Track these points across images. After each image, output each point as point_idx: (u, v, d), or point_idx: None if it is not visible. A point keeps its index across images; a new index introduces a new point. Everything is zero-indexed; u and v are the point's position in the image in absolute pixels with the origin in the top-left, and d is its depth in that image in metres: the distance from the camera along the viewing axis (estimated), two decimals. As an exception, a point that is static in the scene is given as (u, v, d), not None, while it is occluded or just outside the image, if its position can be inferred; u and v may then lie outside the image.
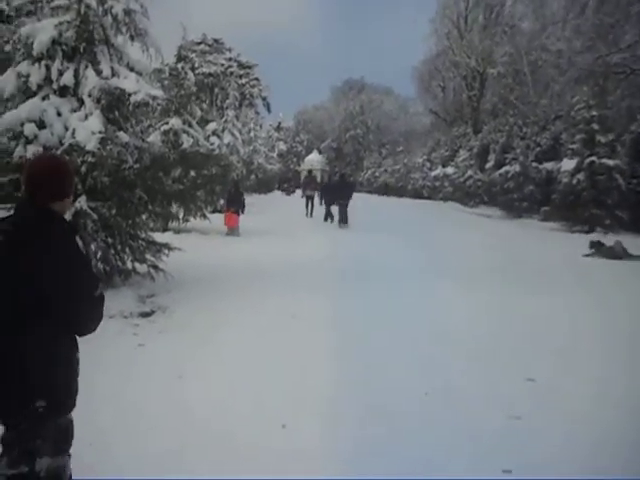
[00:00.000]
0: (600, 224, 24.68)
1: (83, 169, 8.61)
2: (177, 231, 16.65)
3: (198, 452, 4.33)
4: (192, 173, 10.63)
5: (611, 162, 24.83)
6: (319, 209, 27.15)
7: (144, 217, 9.81)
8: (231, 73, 57.50)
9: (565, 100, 35.29)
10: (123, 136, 9.30)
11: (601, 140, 25.53)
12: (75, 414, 3.44)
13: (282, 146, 78.44)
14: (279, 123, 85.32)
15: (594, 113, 25.87)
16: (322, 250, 15.46)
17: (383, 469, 4.17)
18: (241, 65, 65.78)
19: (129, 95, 9.46)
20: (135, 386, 5.45)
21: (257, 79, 67.33)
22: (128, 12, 9.73)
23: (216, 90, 46.83)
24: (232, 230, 18.52)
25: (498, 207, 36.30)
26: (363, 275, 12.00)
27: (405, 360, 6.55)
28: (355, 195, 26.34)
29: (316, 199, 29.06)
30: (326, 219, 25.33)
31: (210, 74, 48.88)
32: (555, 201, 27.21)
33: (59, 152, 8.65)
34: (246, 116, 50.53)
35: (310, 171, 40.55)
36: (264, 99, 67.80)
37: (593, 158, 25.05)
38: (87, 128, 8.94)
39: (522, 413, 5.17)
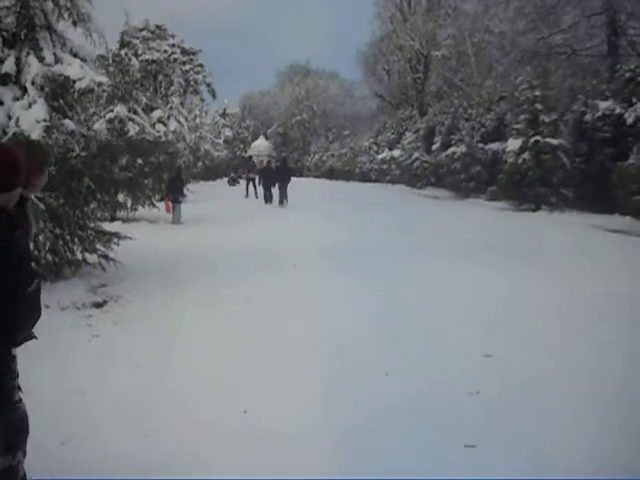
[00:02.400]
0: (546, 202, 25.17)
1: (28, 158, 8.35)
2: (125, 220, 16.37)
3: (164, 440, 4.26)
4: (139, 161, 10.43)
5: (555, 141, 25.29)
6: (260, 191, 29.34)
7: (92, 206, 9.59)
8: (175, 60, 56.67)
9: (509, 81, 35.74)
10: (69, 124, 9.07)
11: (545, 120, 25.97)
12: (31, 409, 3.38)
13: (228, 132, 77.72)
14: (224, 109, 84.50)
15: (537, 93, 26.28)
16: (269, 233, 15.52)
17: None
18: (185, 51, 64.86)
19: (73, 82, 9.21)
20: (91, 377, 5.33)
21: (201, 65, 66.51)
22: (70, -4, 9.46)
23: (160, 77, 46.20)
24: (173, 217, 18.35)
25: (445, 188, 36.77)
26: (311, 254, 12.07)
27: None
28: (301, 180, 27.22)
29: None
30: (267, 201, 27.36)
31: (153, 61, 48.17)
32: (501, 181, 27.60)
33: (2, 141, 8.40)
34: (191, 103, 49.92)
35: (250, 157, 51.13)
36: (208, 85, 67.05)
37: (537, 137, 25.47)
38: (31, 116, 8.68)
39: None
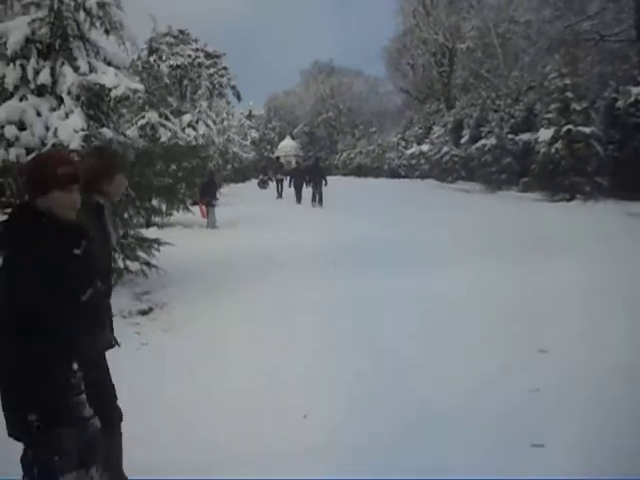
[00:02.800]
0: (580, 191, 24.85)
1: (69, 169, 8.41)
2: (161, 226, 16.43)
3: (217, 450, 4.23)
4: (173, 167, 10.45)
5: (587, 129, 24.96)
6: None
7: (131, 213, 9.62)
8: (199, 64, 56.86)
9: (536, 70, 35.42)
10: (106, 132, 9.10)
11: (576, 108, 25.62)
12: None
13: (254, 134, 77.78)
14: (250, 111, 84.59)
15: (567, 81, 25.93)
16: (304, 234, 15.42)
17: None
18: (208, 55, 65.01)
19: (109, 90, 9.25)
20: (144, 386, 5.31)
21: (225, 68, 66.64)
22: (102, 5, 9.46)
23: (185, 82, 46.38)
24: (208, 221, 18.43)
25: (476, 181, 36.47)
26: (350, 254, 12.00)
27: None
28: (329, 178, 27.36)
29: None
30: (298, 201, 27.73)
31: (178, 66, 48.35)
32: (534, 171, 27.29)
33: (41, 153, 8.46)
34: (217, 106, 50.08)
35: (278, 158, 51.85)
36: (233, 88, 67.16)
37: (570, 126, 25.14)
38: (69, 126, 8.73)
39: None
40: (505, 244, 12.91)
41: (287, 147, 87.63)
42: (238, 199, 28.85)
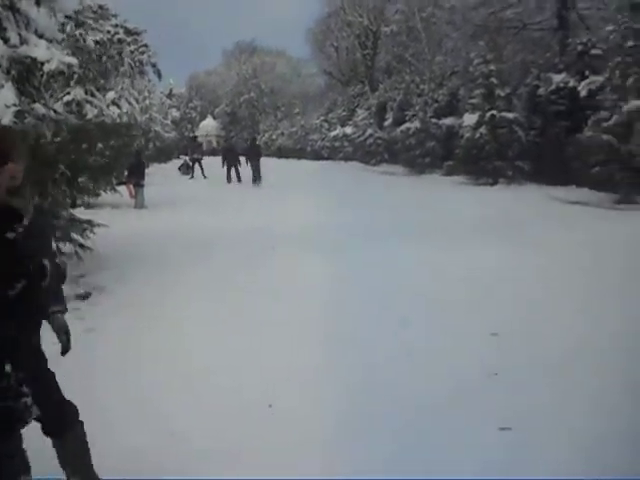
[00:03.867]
0: (503, 175, 25.42)
1: (0, 145, 8.01)
2: (87, 206, 15.93)
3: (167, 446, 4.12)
4: (108, 144, 10.09)
5: (510, 115, 25.54)
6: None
7: (67, 193, 9.27)
8: (119, 40, 55.30)
9: (460, 56, 35.81)
10: (39, 108, 8.72)
11: (500, 94, 26.17)
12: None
13: (175, 113, 76.41)
14: (170, 90, 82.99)
15: (492, 68, 26.42)
16: (237, 213, 15.30)
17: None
18: (128, 32, 63.25)
19: (41, 64, 8.86)
20: (97, 373, 5.13)
21: (146, 45, 65.06)
22: (33, -25, 9.05)
23: (103, 58, 45.03)
24: (138, 202, 18.05)
25: (400, 164, 36.81)
26: (287, 237, 11.94)
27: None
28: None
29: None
30: (229, 180, 28.57)
31: (97, 42, 46.91)
32: (458, 155, 27.77)
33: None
34: (139, 84, 48.94)
35: (195, 137, 53.34)
36: (154, 65, 65.67)
37: (494, 112, 25.65)
38: (0, 101, 8.32)
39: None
40: (440, 227, 13.10)
41: (208, 127, 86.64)
42: (163, 179, 28.33)
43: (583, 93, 23.16)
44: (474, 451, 3.89)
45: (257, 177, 27.47)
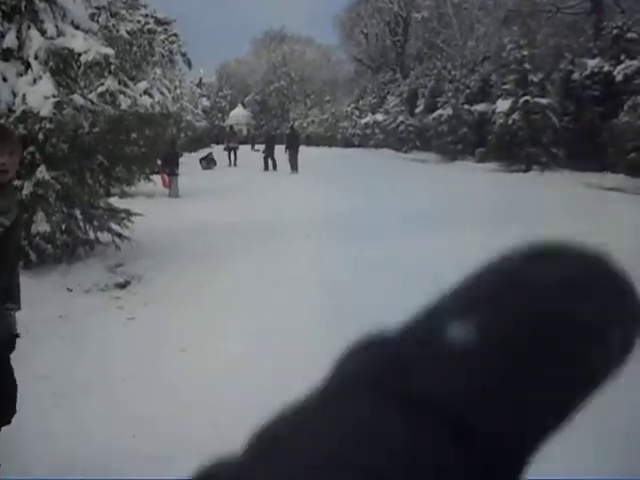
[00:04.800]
0: (536, 162, 25.19)
1: (41, 136, 8.13)
2: (121, 195, 16.08)
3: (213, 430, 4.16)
4: (147, 134, 10.17)
5: (544, 101, 25.25)
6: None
7: (104, 183, 9.37)
8: (149, 30, 55.58)
9: (492, 41, 35.58)
10: (78, 99, 8.82)
11: (533, 79, 25.90)
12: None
13: (205, 102, 76.66)
14: (200, 79, 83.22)
15: (525, 53, 26.17)
16: (271, 202, 15.36)
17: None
18: (158, 21, 63.52)
19: (78, 55, 8.95)
20: (139, 363, 5.19)
21: (176, 35, 65.28)
22: (69, -34, 9.14)
23: (134, 48, 45.31)
24: (171, 191, 18.18)
25: (432, 151, 36.60)
26: (331, 226, 11.94)
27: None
28: (280, 147, 28.20)
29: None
30: (267, 168, 28.79)
31: (128, 32, 47.18)
32: (491, 142, 27.55)
33: (11, 120, 8.16)
34: (170, 73, 49.19)
35: (231, 127, 52.36)
36: (184, 55, 65.91)
37: (527, 97, 25.40)
38: (39, 92, 8.42)
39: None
40: (479, 215, 13.01)
41: (238, 115, 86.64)
42: (194, 169, 28.48)
43: (619, 78, 22.89)
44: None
45: (294, 166, 27.57)
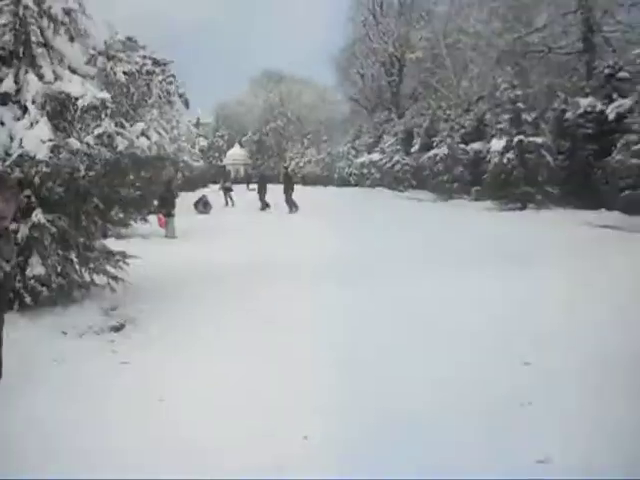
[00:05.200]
0: (532, 200, 25.37)
1: (37, 180, 8.17)
2: (118, 237, 16.08)
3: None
4: (143, 175, 10.19)
5: (539, 139, 25.54)
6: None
7: (99, 225, 9.38)
8: (147, 71, 56.10)
9: (486, 81, 35.96)
10: (73, 143, 8.84)
11: (527, 119, 26.21)
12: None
13: (203, 142, 77.11)
14: (198, 119, 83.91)
15: (519, 92, 26.51)
16: (269, 244, 15.33)
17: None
18: (156, 62, 64.16)
19: (75, 99, 9.02)
20: (130, 412, 5.14)
21: (173, 76, 65.90)
22: (68, 12, 9.23)
23: (132, 89, 45.70)
24: (167, 231, 18.22)
25: (428, 190, 36.84)
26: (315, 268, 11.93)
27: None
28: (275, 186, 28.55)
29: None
30: (263, 208, 29.18)
31: (125, 73, 47.63)
32: (486, 180, 27.77)
33: (7, 163, 8.20)
34: (167, 114, 49.55)
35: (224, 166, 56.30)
36: (181, 96, 66.47)
37: (521, 137, 25.66)
38: (35, 136, 8.45)
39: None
40: (472, 254, 13.04)
41: (235, 155, 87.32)
42: (191, 209, 28.56)
43: (611, 116, 23.16)
44: None
45: (291, 205, 27.89)
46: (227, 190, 35.34)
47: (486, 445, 4.39)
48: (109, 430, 4.73)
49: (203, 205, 28.11)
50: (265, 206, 29.00)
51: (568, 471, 3.83)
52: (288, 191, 28.41)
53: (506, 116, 26.92)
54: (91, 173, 8.80)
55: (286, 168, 38.34)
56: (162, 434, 4.68)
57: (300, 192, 39.45)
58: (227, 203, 34.62)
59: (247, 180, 57.69)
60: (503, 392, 5.37)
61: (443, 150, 34.48)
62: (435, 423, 4.77)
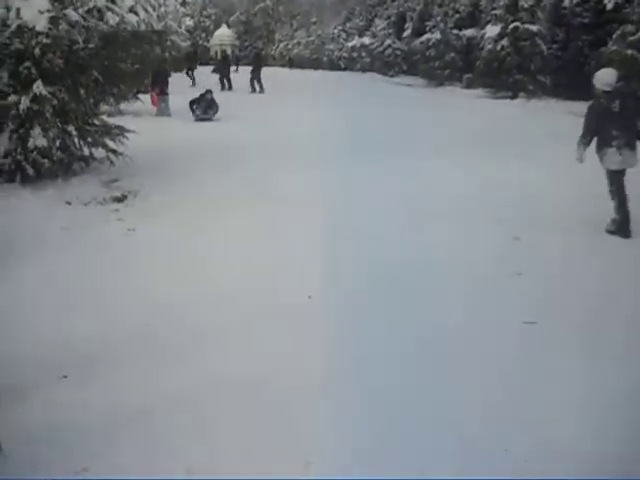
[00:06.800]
0: (523, 89, 25.24)
1: (37, 51, 8.17)
2: (110, 114, 16.03)
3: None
4: (136, 52, 10.15)
5: (534, 27, 25.15)
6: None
7: (98, 99, 9.45)
8: (133, -58, 53.81)
9: (483, -35, 34.93)
10: (71, 14, 8.78)
11: (523, 5, 25.72)
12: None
13: (189, 22, 74.78)
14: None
15: (516, -23, 25.89)
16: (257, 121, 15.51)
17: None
18: None
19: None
20: (147, 274, 5.45)
21: (160, -50, 63.30)
22: None
23: (116, -38, 43.98)
24: (160, 110, 18.07)
25: (419, 76, 36.41)
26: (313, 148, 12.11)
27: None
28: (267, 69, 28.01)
29: None
30: (254, 90, 27.99)
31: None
32: (479, 67, 27.47)
33: (6, 34, 8.20)
34: (155, -10, 47.90)
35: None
36: (168, -29, 64.07)
37: (517, 24, 25.25)
38: (33, 7, 8.38)
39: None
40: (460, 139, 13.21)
41: (223, 36, 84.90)
42: (180, 88, 28.21)
43: (609, 6, 22.69)
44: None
45: (255, 85, 27.78)
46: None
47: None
48: (129, 279, 5.11)
49: (206, 106, 17.60)
50: (259, 88, 28.30)
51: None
52: (257, 71, 28.17)
53: (502, 2, 26.42)
54: (90, 46, 8.79)
55: (260, 49, 36.10)
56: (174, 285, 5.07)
57: (287, 75, 39.07)
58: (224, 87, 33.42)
59: (236, 62, 56.24)
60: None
61: (436, 35, 33.88)
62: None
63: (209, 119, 17.09)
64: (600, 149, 6.81)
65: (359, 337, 4.30)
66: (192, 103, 17.57)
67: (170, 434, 3.20)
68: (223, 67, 29.78)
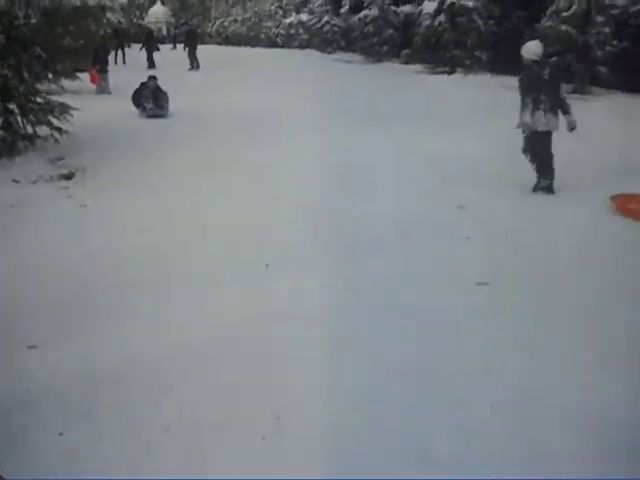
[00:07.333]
0: (460, 65, 25.59)
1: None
2: (48, 92, 15.76)
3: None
4: (79, 27, 10.06)
5: (470, 3, 25.43)
6: None
7: (40, 76, 9.34)
8: None
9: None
10: (11, -12, 8.67)
11: (460, -19, 25.97)
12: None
13: (123, -1, 73.13)
14: (117, -27, 79.21)
15: (454, -48, 26.09)
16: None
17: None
18: None
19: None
20: (99, 242, 5.52)
21: None
22: None
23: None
24: (101, 88, 17.84)
25: (357, 52, 36.46)
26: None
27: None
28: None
29: None
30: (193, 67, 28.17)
31: None
32: (416, 43, 27.70)
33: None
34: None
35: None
36: (100, -53, 62.50)
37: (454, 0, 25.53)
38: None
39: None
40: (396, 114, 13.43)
41: (158, 13, 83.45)
42: (118, 66, 27.78)
43: (544, -19, 23.09)
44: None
45: (193, 62, 28.08)
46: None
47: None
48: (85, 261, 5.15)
49: (155, 98, 14.09)
50: (196, 66, 28.04)
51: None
52: (192, 50, 28.57)
53: (439, -23, 26.59)
54: (32, 21, 8.68)
55: (194, 26, 38.19)
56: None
57: (223, 52, 38.69)
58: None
59: (173, 40, 55.19)
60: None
61: (373, 12, 33.89)
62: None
63: (164, 116, 13.72)
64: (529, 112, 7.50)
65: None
66: (136, 96, 14.16)
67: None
68: (148, 44, 29.42)
